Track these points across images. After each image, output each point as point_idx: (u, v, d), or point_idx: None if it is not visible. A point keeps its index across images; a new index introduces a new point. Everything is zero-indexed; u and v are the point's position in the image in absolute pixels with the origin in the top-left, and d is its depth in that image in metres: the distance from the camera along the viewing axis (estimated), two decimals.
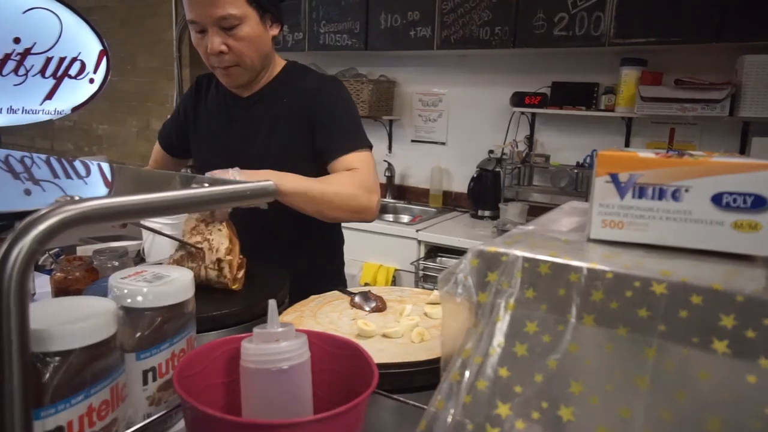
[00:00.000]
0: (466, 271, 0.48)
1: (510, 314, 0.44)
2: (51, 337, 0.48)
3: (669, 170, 0.47)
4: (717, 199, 0.45)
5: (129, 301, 0.59)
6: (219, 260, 1.08)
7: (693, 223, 0.46)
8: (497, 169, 3.01)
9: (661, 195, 0.47)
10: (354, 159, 1.32)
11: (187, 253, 1.10)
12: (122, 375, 0.57)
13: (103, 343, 0.52)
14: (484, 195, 3.06)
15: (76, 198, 0.49)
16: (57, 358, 0.48)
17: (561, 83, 2.81)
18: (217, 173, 1.12)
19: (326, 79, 1.45)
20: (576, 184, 2.81)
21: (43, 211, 0.46)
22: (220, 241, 1.08)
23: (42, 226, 0.44)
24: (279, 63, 1.41)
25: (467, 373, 0.42)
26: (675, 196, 0.47)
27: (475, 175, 3.08)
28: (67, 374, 0.49)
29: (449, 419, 0.39)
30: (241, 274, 1.11)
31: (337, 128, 1.34)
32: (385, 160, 3.44)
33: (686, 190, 0.47)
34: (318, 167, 1.35)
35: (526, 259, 0.46)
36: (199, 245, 1.08)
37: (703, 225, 0.46)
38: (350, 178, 1.29)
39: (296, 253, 1.32)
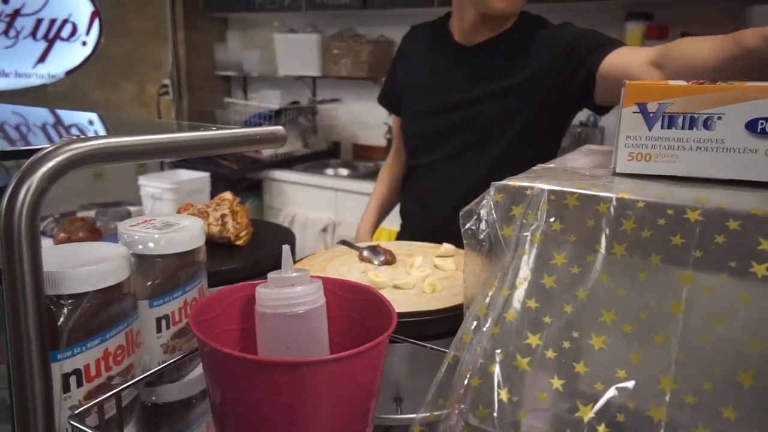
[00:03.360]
0: (489, 206, 0.47)
1: (536, 247, 0.43)
2: (64, 279, 0.47)
3: (701, 97, 0.45)
4: (752, 126, 0.44)
5: (140, 247, 0.58)
6: (223, 215, 1.09)
7: (726, 152, 0.45)
8: None
9: (691, 124, 0.46)
10: (625, 49, 1.25)
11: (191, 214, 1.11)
12: (136, 321, 0.56)
13: (116, 287, 0.51)
14: None
15: (83, 137, 0.47)
16: (71, 301, 0.47)
17: None
18: None
19: (558, 24, 1.43)
20: (579, 143, 2.78)
21: (50, 149, 0.44)
22: (224, 210, 1.11)
23: (50, 164, 0.43)
24: None
25: (494, 306, 0.41)
26: (707, 124, 0.45)
27: None
28: (81, 317, 0.48)
29: (478, 349, 0.38)
30: (244, 233, 1.11)
31: (597, 41, 1.29)
32: (385, 123, 3.39)
33: (719, 118, 0.45)
34: (557, 115, 1.39)
35: (552, 192, 0.45)
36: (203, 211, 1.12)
37: (736, 154, 0.44)
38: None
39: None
